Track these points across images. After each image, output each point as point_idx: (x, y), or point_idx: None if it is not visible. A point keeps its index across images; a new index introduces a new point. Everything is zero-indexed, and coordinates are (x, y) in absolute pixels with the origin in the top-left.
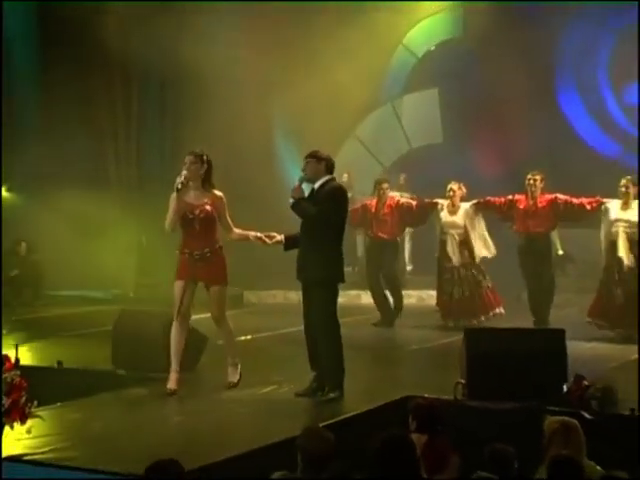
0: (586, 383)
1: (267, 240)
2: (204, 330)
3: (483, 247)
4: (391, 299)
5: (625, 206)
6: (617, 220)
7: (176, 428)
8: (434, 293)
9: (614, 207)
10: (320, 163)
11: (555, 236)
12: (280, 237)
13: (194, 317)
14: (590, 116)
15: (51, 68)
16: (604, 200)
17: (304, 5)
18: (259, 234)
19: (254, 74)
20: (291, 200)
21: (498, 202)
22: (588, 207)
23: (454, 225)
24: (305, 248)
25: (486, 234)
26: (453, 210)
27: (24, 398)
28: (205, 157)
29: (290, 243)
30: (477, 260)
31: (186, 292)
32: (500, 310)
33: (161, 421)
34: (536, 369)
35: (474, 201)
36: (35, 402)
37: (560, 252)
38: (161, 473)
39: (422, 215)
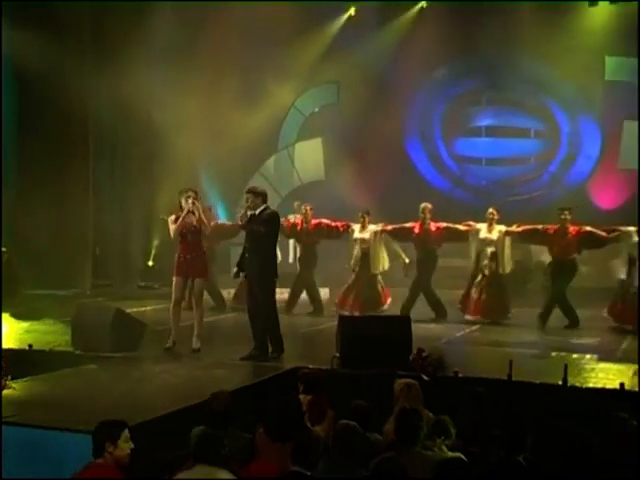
0: (425, 354)
1: None
2: (146, 319)
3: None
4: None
5: (362, 229)
6: (356, 239)
7: (122, 393)
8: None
9: (357, 229)
10: (257, 197)
11: (398, 248)
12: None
13: (139, 309)
14: (428, 160)
15: (29, 129)
16: (351, 224)
17: (229, 77)
18: None
19: (185, 133)
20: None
21: (287, 224)
22: (341, 229)
23: None
24: (250, 254)
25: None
26: None
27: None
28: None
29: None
30: None
31: (179, 285)
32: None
33: (110, 389)
34: (390, 345)
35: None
36: (9, 376)
37: (407, 260)
38: (109, 429)
39: None
